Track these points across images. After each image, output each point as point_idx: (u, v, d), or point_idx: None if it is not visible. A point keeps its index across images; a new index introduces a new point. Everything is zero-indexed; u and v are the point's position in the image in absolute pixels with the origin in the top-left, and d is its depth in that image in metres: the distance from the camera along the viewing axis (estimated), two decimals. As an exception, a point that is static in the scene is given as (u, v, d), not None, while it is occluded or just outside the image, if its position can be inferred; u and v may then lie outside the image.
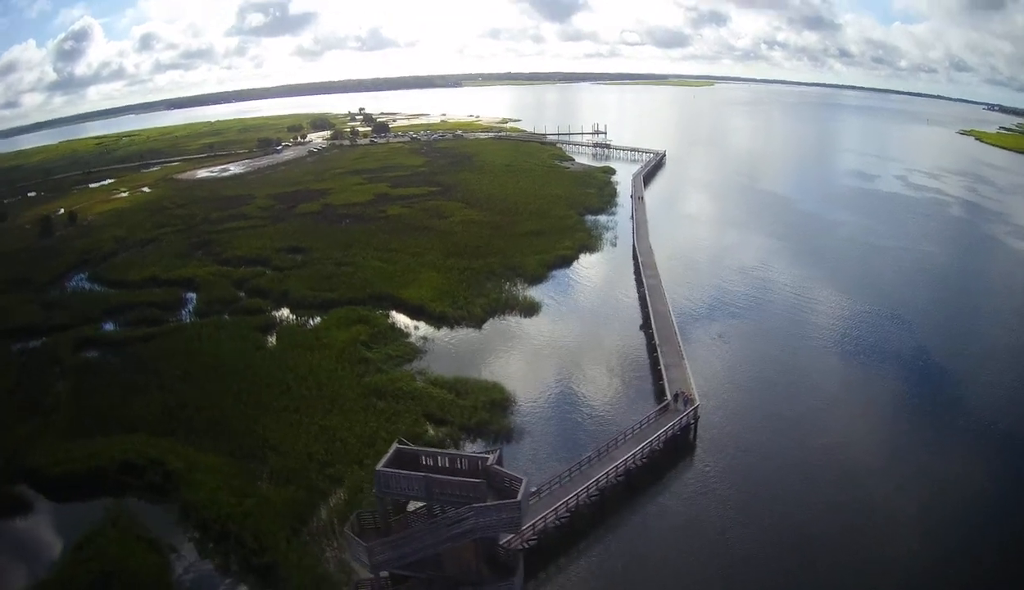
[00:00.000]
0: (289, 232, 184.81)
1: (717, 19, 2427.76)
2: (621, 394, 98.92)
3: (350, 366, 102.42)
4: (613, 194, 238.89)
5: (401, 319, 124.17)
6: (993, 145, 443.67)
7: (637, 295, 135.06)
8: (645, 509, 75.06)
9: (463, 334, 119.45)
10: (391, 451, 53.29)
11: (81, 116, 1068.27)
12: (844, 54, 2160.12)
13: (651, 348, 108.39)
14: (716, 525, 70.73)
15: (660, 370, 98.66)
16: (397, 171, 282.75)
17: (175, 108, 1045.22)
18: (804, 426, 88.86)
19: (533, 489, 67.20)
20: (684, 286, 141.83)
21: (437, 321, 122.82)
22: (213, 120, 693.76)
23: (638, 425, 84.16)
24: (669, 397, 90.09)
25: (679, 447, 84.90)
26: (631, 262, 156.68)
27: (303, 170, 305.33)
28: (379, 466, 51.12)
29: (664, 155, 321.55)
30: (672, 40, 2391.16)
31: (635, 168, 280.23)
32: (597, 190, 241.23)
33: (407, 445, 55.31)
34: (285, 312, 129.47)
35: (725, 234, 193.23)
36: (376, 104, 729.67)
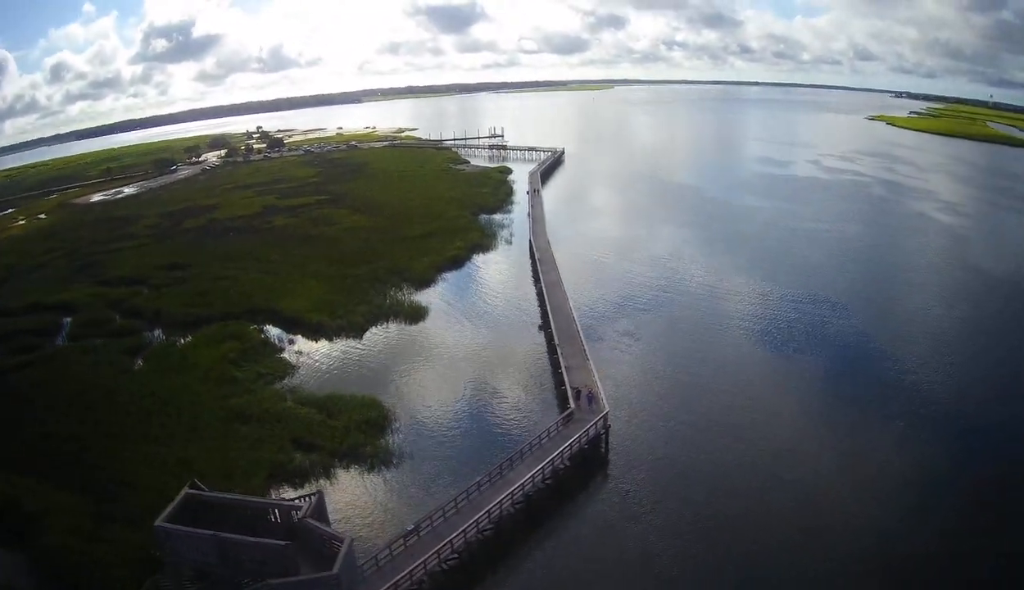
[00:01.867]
0: (171, 249, 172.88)
1: (615, 22, 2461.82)
2: (519, 404, 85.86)
3: (216, 387, 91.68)
4: (509, 192, 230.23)
5: (276, 333, 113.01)
6: (905, 128, 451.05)
7: (535, 293, 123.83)
8: (551, 543, 61.90)
9: (341, 345, 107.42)
10: (179, 498, 37.87)
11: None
12: (745, 50, 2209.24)
13: (552, 350, 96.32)
14: (642, 559, 58.55)
15: (561, 374, 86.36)
16: (287, 183, 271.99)
17: (85, 138, 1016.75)
18: (733, 430, 77.45)
19: (410, 527, 58.23)
20: (587, 282, 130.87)
21: (314, 333, 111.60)
22: (117, 147, 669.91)
23: (538, 440, 71.14)
24: (572, 403, 77.58)
25: (589, 463, 72.34)
26: (528, 260, 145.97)
27: (194, 188, 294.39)
28: (159, 520, 35.63)
29: (563, 152, 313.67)
30: (570, 46, 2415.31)
31: (533, 167, 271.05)
32: (492, 189, 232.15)
33: (200, 490, 39.99)
34: (158, 332, 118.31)
35: (631, 226, 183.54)
36: (278, 123, 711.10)
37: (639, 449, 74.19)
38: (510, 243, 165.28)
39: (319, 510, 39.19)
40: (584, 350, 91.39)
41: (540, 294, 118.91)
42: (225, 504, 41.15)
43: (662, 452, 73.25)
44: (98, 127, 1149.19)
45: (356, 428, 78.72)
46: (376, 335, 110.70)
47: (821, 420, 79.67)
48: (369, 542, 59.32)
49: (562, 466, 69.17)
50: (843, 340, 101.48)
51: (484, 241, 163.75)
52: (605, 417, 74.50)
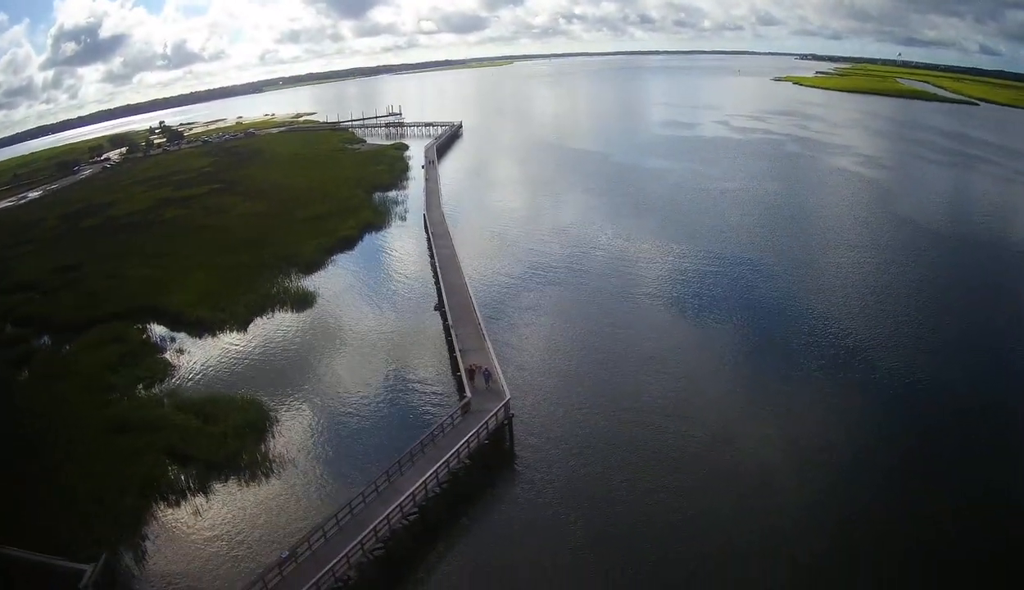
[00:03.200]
0: (66, 250, 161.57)
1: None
2: (411, 395, 76.66)
3: (94, 396, 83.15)
4: (405, 169, 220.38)
5: (159, 331, 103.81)
6: (813, 87, 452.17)
7: (430, 271, 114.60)
8: (450, 561, 53.27)
9: (224, 340, 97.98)
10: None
11: None
12: (645, 20, 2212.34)
13: (447, 331, 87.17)
14: (556, 572, 50.52)
15: (456, 358, 77.55)
16: (183, 175, 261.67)
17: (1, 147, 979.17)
18: (654, 412, 69.36)
19: (285, 554, 50.00)
20: (486, 256, 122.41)
21: (195, 328, 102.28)
22: (29, 153, 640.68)
23: (430, 437, 62.25)
24: (468, 389, 69.23)
25: (491, 460, 63.74)
26: (424, 235, 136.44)
27: (94, 186, 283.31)
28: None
29: (460, 126, 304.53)
30: (469, 25, 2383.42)
31: (428, 142, 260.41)
32: (387, 167, 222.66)
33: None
34: (46, 339, 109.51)
35: (533, 196, 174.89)
36: (183, 118, 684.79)
37: (547, 442, 65.63)
38: (404, 220, 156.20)
39: (102, 581, 29.61)
40: (481, 330, 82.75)
41: (435, 271, 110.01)
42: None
43: (574, 443, 64.89)
44: (12, 136, 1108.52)
45: (234, 434, 70.17)
46: (260, 326, 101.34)
47: (750, 396, 72.22)
48: (241, 573, 51.01)
49: (459, 466, 60.65)
50: (767, 304, 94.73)
51: (377, 219, 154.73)
52: (507, 406, 65.71)
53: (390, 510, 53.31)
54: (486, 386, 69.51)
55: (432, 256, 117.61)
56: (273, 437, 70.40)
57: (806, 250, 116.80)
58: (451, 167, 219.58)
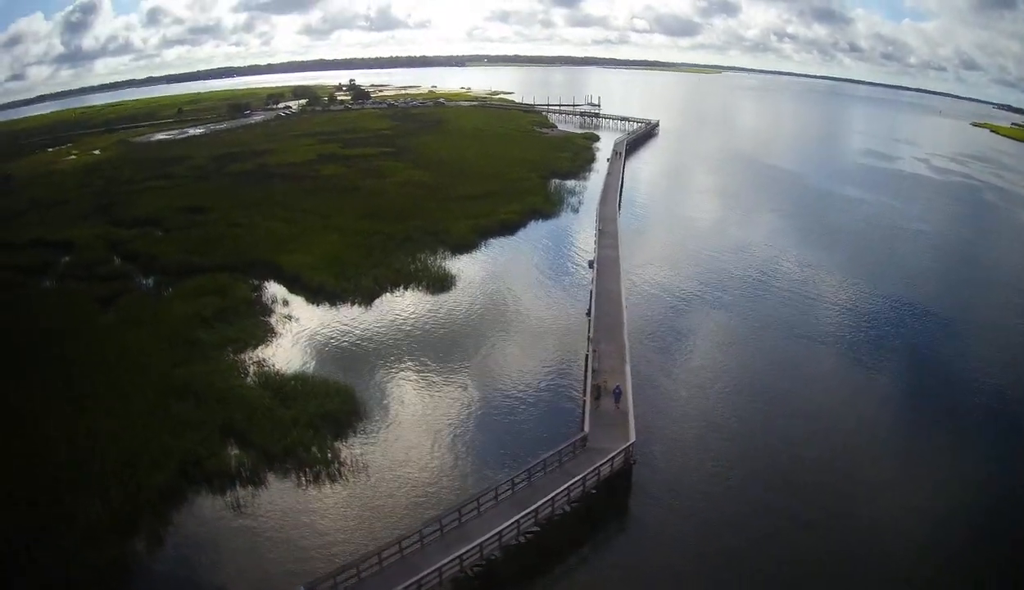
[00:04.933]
0: (202, 192, 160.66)
1: (727, 9, 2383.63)
2: (524, 414, 64.83)
3: (173, 351, 75.99)
4: (590, 159, 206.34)
5: (271, 291, 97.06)
6: (1008, 137, 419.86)
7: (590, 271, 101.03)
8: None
9: (340, 313, 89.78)
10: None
11: (87, 89, 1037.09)
12: (854, 49, 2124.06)
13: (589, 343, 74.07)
14: None
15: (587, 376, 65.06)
16: (357, 133, 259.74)
17: (178, 82, 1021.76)
18: (813, 492, 54.02)
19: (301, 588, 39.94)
20: (652, 264, 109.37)
21: (312, 295, 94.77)
22: (205, 92, 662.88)
23: (525, 473, 50.90)
24: (588, 408, 58.77)
25: (596, 515, 51.13)
26: (595, 232, 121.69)
27: (260, 133, 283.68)
28: None
29: (657, 124, 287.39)
30: (681, 29, 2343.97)
31: (620, 136, 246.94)
32: (571, 154, 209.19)
33: None
34: (149, 279, 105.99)
35: (717, 206, 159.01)
36: (377, 80, 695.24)
37: (673, 508, 51.87)
38: (576, 212, 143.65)
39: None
40: (624, 349, 69.99)
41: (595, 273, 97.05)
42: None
43: (706, 515, 51.04)
44: (193, 73, 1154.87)
45: (307, 422, 60.76)
46: (385, 304, 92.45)
47: (930, 482, 55.47)
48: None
49: (554, 515, 48.63)
50: (960, 373, 75.76)
51: (546, 207, 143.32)
52: (630, 450, 53.06)
53: (448, 559, 42.30)
54: (616, 406, 58.13)
55: (594, 255, 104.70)
56: (350, 434, 61.15)
57: (1004, 313, 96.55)
58: (638, 165, 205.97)
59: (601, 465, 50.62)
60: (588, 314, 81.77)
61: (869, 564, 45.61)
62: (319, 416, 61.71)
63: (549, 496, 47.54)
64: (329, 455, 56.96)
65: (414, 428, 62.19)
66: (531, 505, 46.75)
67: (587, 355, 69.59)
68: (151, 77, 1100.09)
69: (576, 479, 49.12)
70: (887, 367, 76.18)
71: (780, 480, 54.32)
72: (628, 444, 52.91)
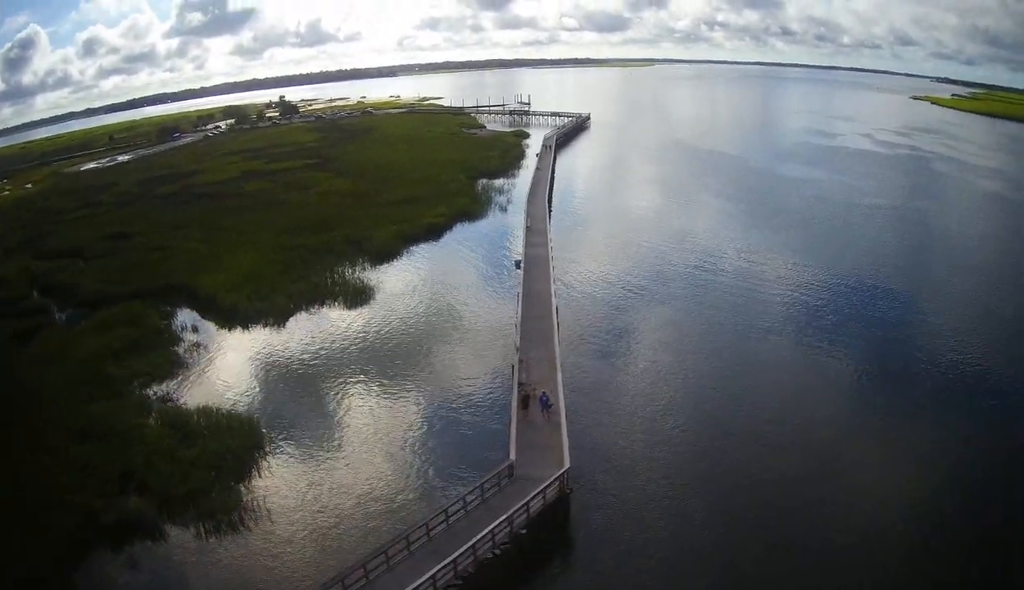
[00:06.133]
0: (127, 217, 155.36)
1: (657, 2, 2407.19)
2: (452, 440, 57.32)
3: (83, 388, 69.85)
4: (519, 157, 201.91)
5: (182, 317, 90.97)
6: (950, 108, 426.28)
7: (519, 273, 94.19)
8: None
9: (250, 336, 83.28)
10: None
11: (29, 124, 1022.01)
12: (786, 32, 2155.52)
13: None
14: None
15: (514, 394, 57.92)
16: (283, 148, 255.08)
17: (116, 111, 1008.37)
18: (772, 516, 47.18)
19: None
20: (586, 260, 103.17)
21: (224, 318, 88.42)
22: (140, 119, 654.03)
23: (442, 515, 43.97)
24: (515, 421, 52.58)
25: (530, 554, 43.92)
26: (523, 232, 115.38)
27: (187, 154, 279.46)
28: None
29: (588, 118, 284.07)
30: (611, 24, 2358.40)
31: (549, 131, 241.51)
32: (500, 153, 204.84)
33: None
34: (62, 314, 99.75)
35: (656, 196, 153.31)
36: (307, 95, 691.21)
37: (618, 543, 44.51)
38: (504, 211, 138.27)
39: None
40: (555, 357, 63.12)
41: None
42: None
43: (653, 547, 44.13)
44: (130, 101, 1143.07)
45: (208, 462, 54.88)
46: (300, 323, 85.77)
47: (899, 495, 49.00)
48: None
49: (480, 563, 41.41)
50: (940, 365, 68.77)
51: (473, 208, 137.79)
52: (564, 477, 46.15)
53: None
54: (545, 418, 52.38)
55: (521, 254, 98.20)
56: (252, 474, 54.29)
57: (979, 292, 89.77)
58: (570, 159, 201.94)
59: (531, 499, 43.53)
60: (515, 320, 74.57)
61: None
62: (220, 454, 55.69)
63: (471, 542, 40.42)
64: (229, 499, 50.45)
65: (322, 461, 55.38)
66: (450, 555, 39.59)
67: (513, 366, 62.57)
68: (90, 108, 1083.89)
69: (502, 519, 42.04)
70: (850, 355, 69.87)
71: (735, 509, 47.57)
72: (562, 471, 46.02)
